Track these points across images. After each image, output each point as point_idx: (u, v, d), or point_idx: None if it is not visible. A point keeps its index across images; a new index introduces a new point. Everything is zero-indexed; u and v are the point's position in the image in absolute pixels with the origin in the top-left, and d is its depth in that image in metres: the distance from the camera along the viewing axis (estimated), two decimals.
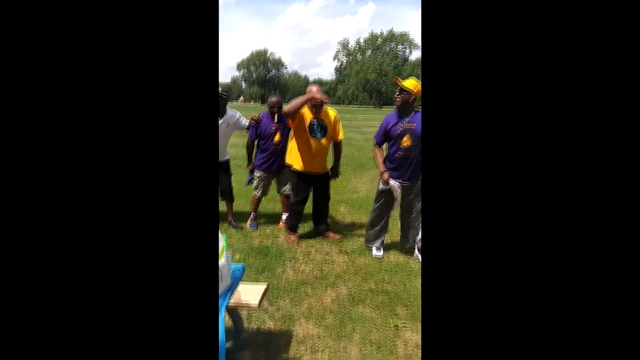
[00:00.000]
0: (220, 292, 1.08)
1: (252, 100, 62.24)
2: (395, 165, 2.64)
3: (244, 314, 1.91)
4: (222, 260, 1.06)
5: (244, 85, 65.99)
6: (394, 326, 1.93)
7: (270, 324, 1.93)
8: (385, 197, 2.74)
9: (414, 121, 2.52)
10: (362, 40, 52.65)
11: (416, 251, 2.78)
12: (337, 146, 3.09)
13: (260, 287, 1.65)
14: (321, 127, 2.89)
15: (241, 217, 3.47)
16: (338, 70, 57.80)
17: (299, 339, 1.81)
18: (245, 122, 3.21)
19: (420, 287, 2.33)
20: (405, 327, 1.93)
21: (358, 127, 15.51)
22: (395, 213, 2.92)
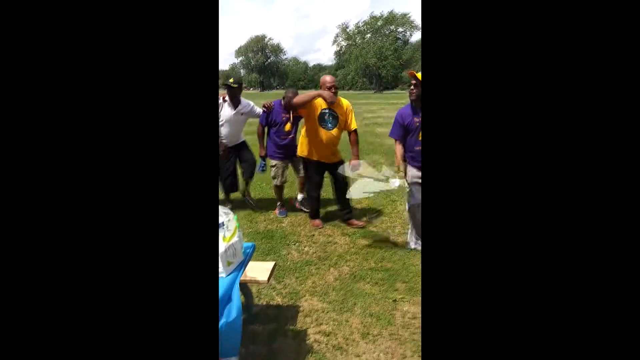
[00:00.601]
0: (234, 266, 1.21)
1: (252, 88, 61.80)
2: (415, 156, 2.56)
3: (253, 290, 2.06)
4: (235, 238, 1.19)
5: (242, 72, 65.41)
6: (393, 300, 2.08)
7: (278, 300, 2.08)
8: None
9: None
10: (361, 23, 51.82)
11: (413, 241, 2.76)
12: (353, 136, 3.02)
13: (269, 265, 1.79)
14: (333, 117, 2.92)
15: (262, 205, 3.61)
16: (337, 54, 57.10)
17: (305, 312, 1.96)
18: (258, 110, 3.35)
19: (418, 265, 2.48)
20: (403, 300, 2.08)
21: (358, 112, 15.47)
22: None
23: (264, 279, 1.67)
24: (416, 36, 49.48)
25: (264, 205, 3.67)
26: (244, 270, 1.34)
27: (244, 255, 1.33)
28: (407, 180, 2.61)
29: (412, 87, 2.46)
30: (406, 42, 50.35)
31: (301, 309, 2.00)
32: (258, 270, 1.73)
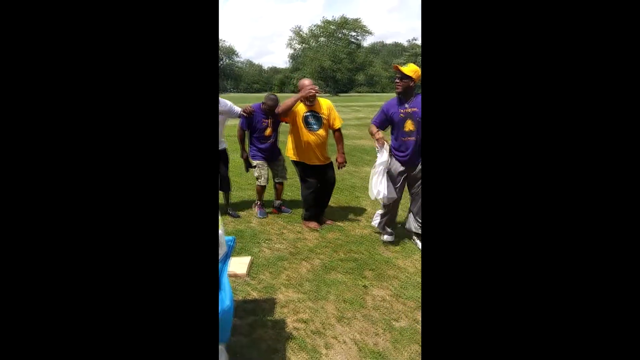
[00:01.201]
0: (221, 257, 1.27)
1: None
2: (399, 147, 2.67)
3: None
4: (220, 230, 1.25)
5: None
6: (363, 286, 2.23)
7: (254, 294, 2.14)
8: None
9: (415, 105, 2.57)
10: (314, 27, 52.46)
11: (414, 237, 2.89)
12: (337, 134, 3.13)
13: (245, 259, 1.85)
14: (316, 118, 3.00)
15: (235, 206, 3.58)
16: (292, 57, 57.25)
17: (282, 304, 2.05)
18: (237, 109, 3.30)
19: (383, 254, 2.66)
20: (372, 285, 2.24)
21: None
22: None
23: (243, 272, 1.73)
24: (369, 40, 51.13)
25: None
26: (229, 260, 1.40)
27: (227, 247, 1.39)
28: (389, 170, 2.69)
29: (397, 80, 2.58)
30: (359, 45, 51.84)
31: (278, 301, 2.08)
32: (236, 265, 1.79)
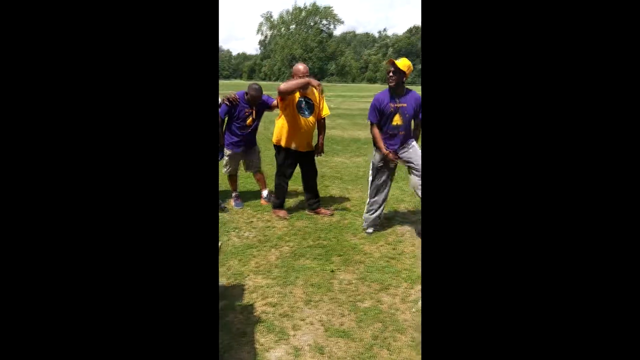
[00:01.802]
0: None
1: None
2: (387, 139, 2.75)
3: None
4: None
5: None
6: (330, 271, 2.32)
7: (223, 281, 2.17)
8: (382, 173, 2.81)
9: (405, 101, 2.64)
10: (285, 13, 51.55)
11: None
12: (322, 123, 3.19)
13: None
14: (308, 104, 3.02)
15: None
16: (262, 44, 56.04)
17: (251, 289, 2.09)
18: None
19: (350, 240, 2.76)
20: (339, 270, 2.33)
21: None
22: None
23: None
24: (340, 29, 51.01)
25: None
26: None
27: None
28: (373, 163, 2.82)
29: (390, 74, 2.61)
30: (330, 34, 51.62)
31: (247, 287, 2.12)
32: None
